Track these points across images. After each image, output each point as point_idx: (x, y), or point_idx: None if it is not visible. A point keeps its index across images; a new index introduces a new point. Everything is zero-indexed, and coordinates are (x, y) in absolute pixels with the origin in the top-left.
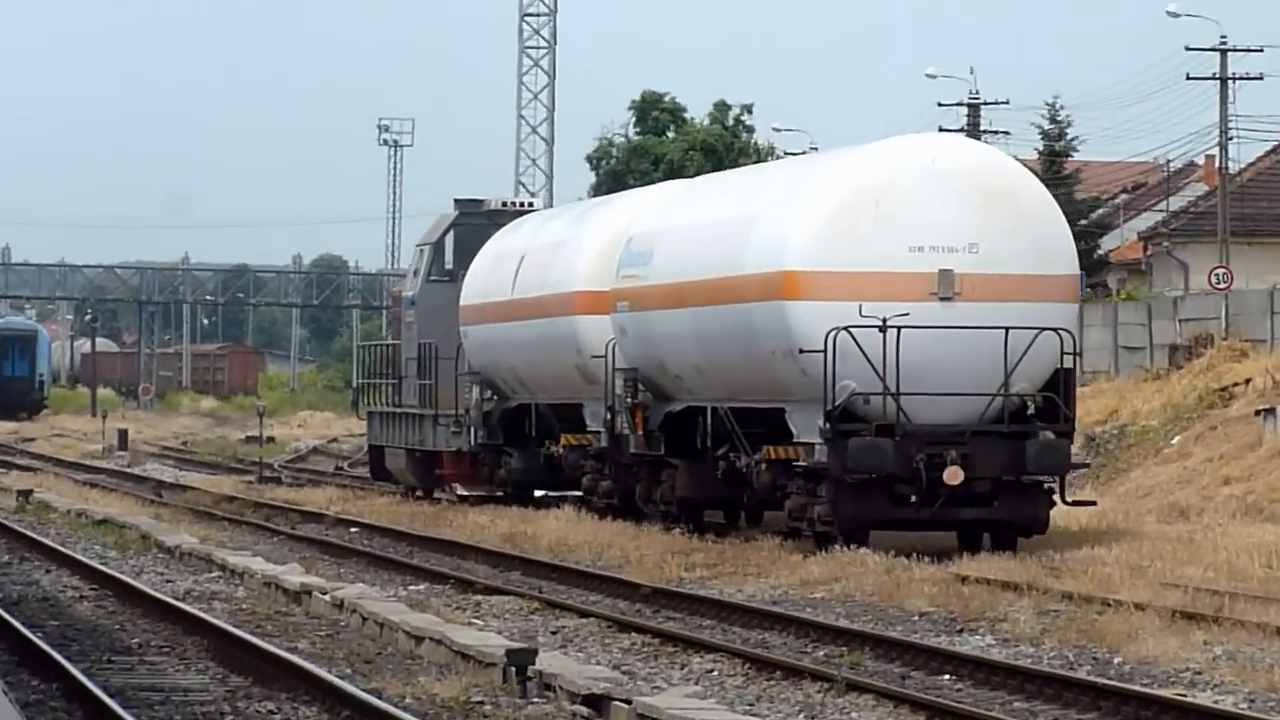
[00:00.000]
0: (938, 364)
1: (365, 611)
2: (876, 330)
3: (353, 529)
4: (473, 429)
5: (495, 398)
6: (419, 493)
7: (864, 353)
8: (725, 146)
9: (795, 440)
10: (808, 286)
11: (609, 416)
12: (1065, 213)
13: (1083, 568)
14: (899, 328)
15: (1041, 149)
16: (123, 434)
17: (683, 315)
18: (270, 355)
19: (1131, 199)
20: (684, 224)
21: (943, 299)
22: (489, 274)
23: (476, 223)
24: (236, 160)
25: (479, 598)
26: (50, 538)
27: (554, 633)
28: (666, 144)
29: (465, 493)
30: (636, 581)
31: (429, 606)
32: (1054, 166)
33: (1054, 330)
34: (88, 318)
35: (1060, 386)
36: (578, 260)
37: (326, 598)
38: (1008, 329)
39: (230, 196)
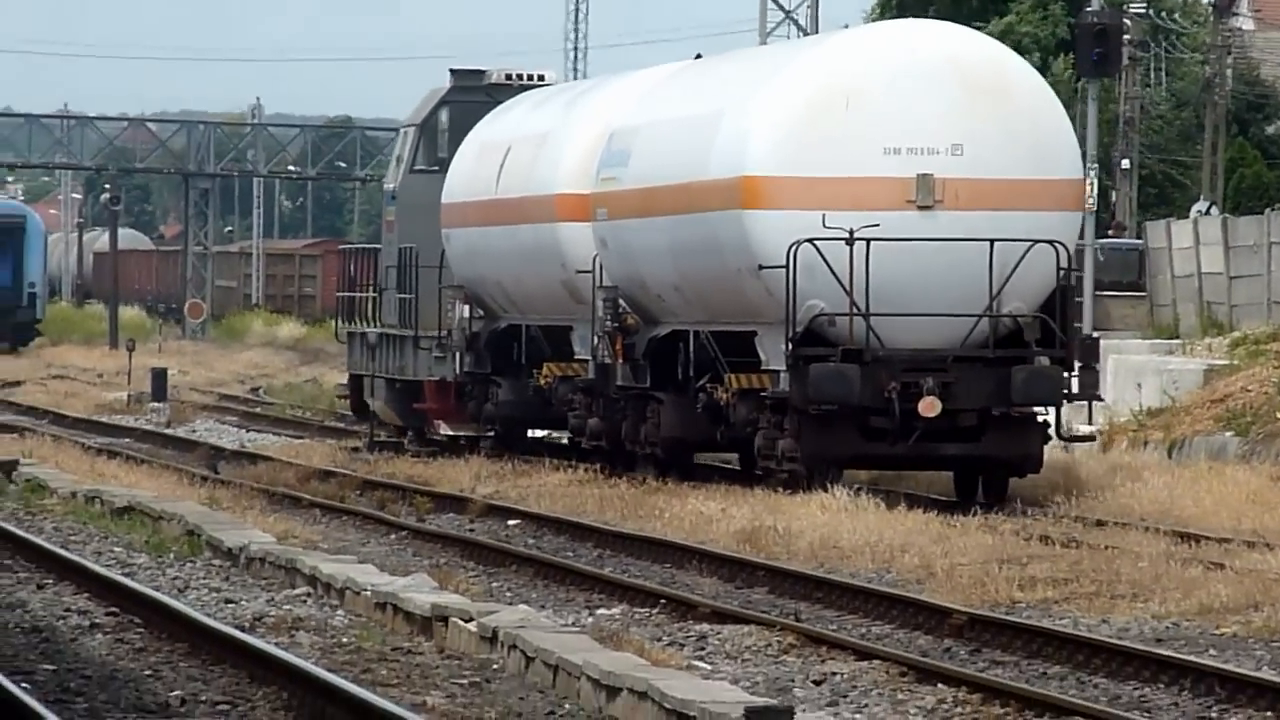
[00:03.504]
0: (915, 281)
1: (530, 649)
2: (844, 244)
3: (512, 522)
4: (458, 354)
5: (484, 317)
6: (606, 469)
7: (831, 269)
8: None
9: (765, 367)
10: (768, 194)
11: (595, 342)
12: None
13: None
14: (868, 240)
15: None
16: (159, 376)
17: (656, 225)
18: None
19: None
20: (661, 119)
21: (921, 207)
22: (473, 167)
23: (475, 99)
24: None
25: (704, 628)
26: (45, 535)
27: (818, 683)
28: None
29: (450, 432)
30: (945, 606)
31: (628, 641)
32: None
33: (1049, 243)
34: (105, 197)
35: (1057, 307)
36: (562, 156)
37: (471, 627)
38: (993, 241)
39: (322, 11)
